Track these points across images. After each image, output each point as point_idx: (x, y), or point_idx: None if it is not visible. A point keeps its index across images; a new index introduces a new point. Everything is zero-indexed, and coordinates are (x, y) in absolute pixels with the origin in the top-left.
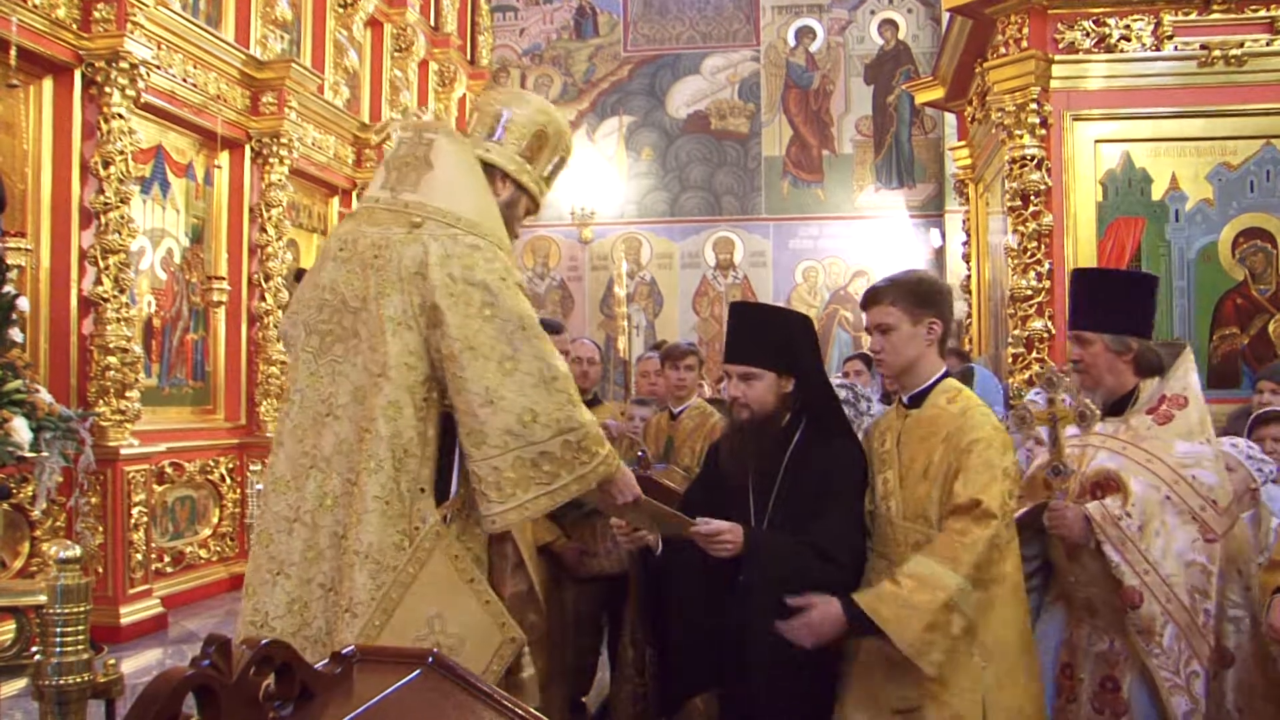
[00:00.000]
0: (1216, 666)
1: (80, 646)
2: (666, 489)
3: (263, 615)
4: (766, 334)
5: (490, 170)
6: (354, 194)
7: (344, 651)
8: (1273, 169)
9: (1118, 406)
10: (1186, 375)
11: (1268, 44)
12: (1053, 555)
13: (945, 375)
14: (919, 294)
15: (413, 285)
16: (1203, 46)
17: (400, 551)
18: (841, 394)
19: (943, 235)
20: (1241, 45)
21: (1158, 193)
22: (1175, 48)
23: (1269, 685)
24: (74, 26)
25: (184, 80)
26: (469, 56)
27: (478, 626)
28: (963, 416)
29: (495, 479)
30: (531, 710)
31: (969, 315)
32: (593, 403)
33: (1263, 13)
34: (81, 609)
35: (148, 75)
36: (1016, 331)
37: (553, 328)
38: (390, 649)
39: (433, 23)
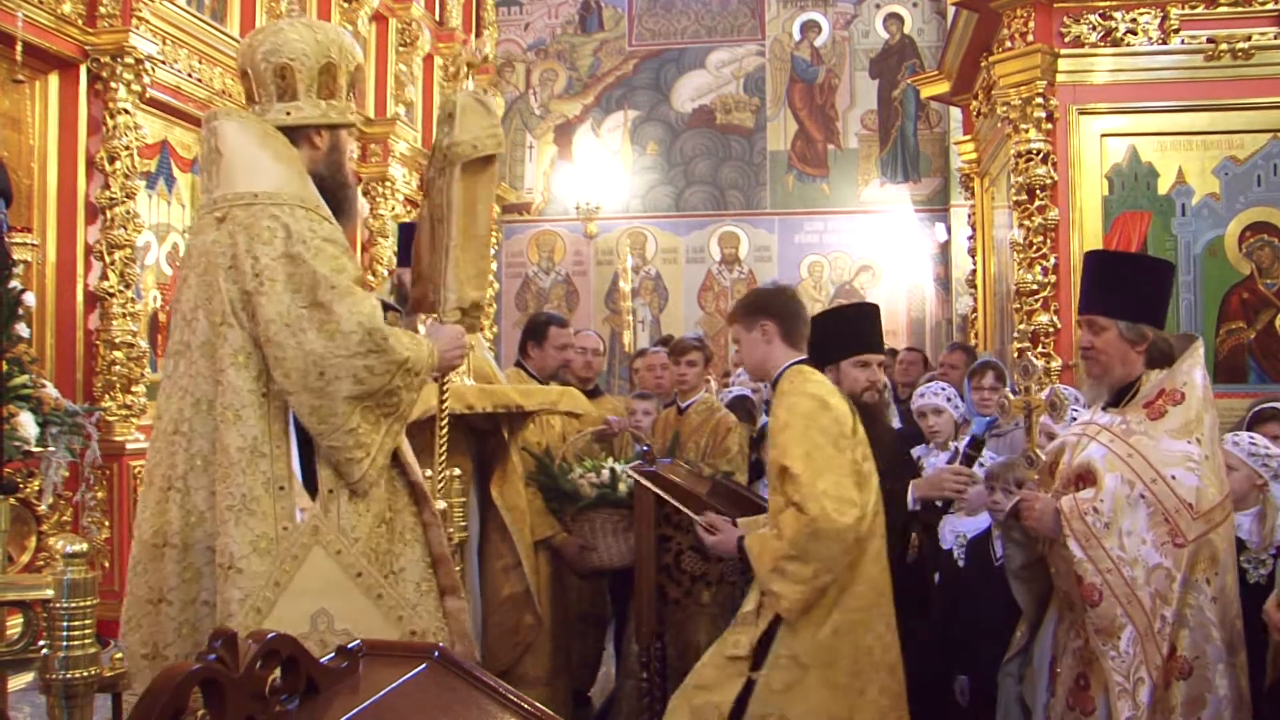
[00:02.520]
0: (1171, 676)
1: (87, 641)
2: (673, 484)
3: (152, 645)
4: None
5: (302, 130)
6: (357, 189)
7: (350, 645)
8: None
9: (1121, 396)
10: (1191, 370)
11: (1275, 37)
12: (1044, 547)
13: (795, 363)
14: (748, 305)
15: (229, 280)
16: (1209, 40)
17: (264, 555)
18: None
19: (948, 229)
20: (1249, 39)
21: (1164, 187)
22: (1182, 41)
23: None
24: (79, 22)
25: (189, 75)
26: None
27: (369, 621)
28: (787, 396)
29: (355, 439)
30: (536, 704)
31: (974, 310)
32: (594, 394)
33: (1270, 6)
34: (88, 603)
35: (153, 70)
36: (1022, 326)
37: (560, 320)
38: (397, 643)
39: (438, 17)
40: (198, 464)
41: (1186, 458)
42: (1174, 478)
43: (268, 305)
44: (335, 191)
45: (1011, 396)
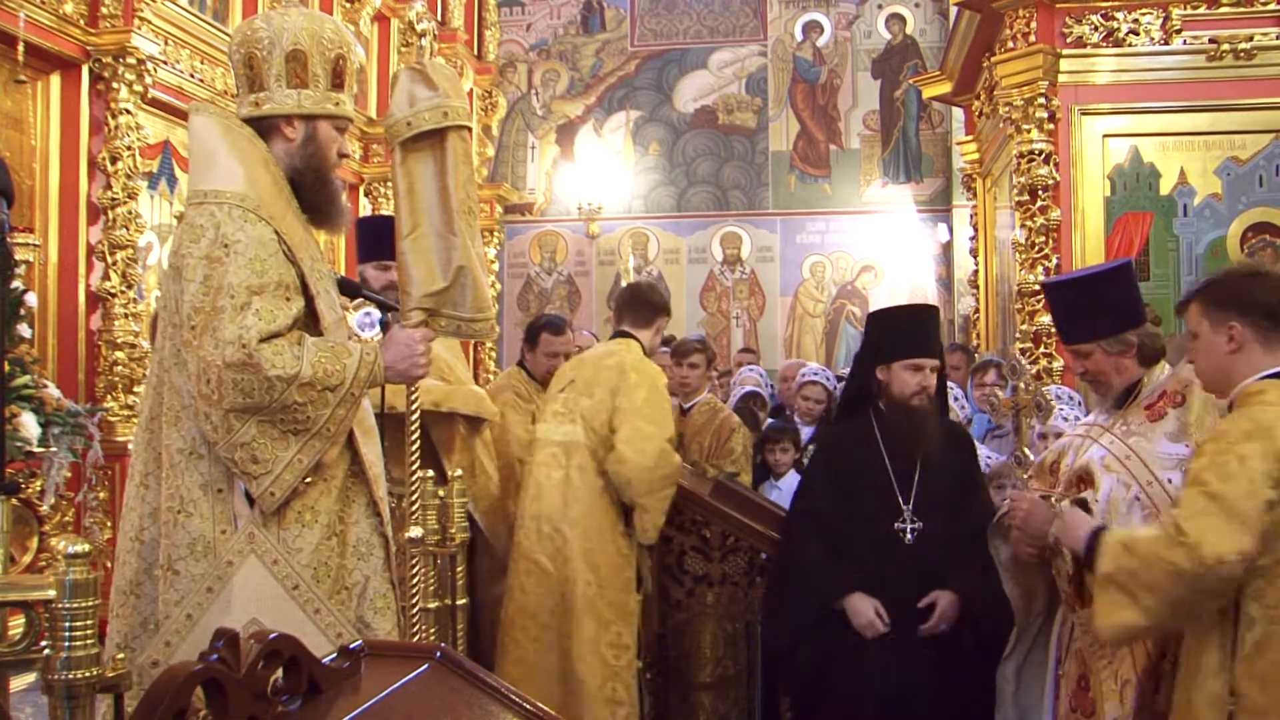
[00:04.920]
0: (1161, 680)
1: (89, 641)
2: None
3: (123, 636)
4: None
5: (271, 121)
6: (360, 189)
7: (352, 646)
8: None
9: (1127, 397)
10: (1193, 373)
11: (1277, 37)
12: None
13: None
14: (634, 306)
15: (176, 284)
16: (1211, 40)
17: (200, 559)
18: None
19: (950, 230)
20: (1250, 39)
21: (1166, 187)
22: (1184, 41)
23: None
24: (81, 22)
25: (191, 75)
26: (476, 51)
27: (304, 638)
28: None
29: (249, 454)
30: (538, 704)
31: (976, 310)
32: None
33: (1272, 6)
34: (90, 604)
35: (155, 71)
36: (1024, 326)
37: (554, 326)
38: (400, 644)
39: (440, 17)
40: (152, 464)
41: (1182, 461)
42: (1170, 480)
43: (185, 304)
44: (313, 187)
45: (1001, 396)
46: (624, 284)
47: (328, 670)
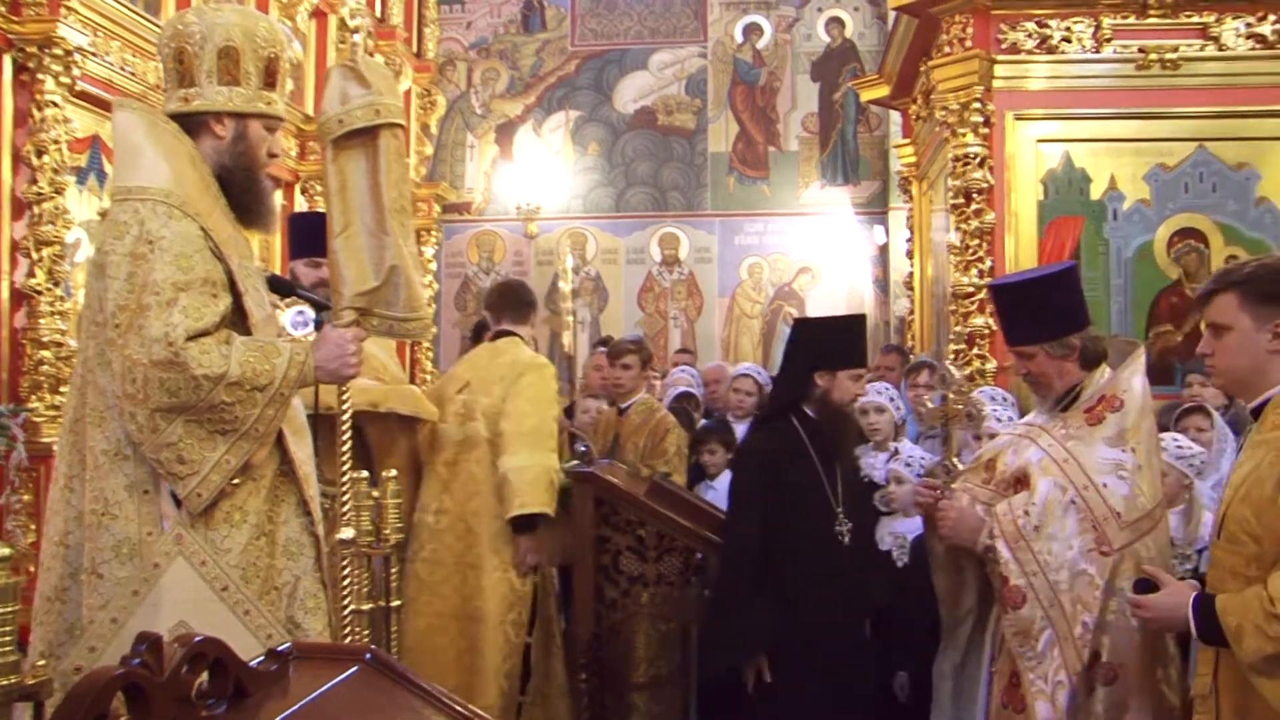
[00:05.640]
0: (1094, 683)
1: (7, 648)
2: (610, 484)
3: (47, 643)
4: None
5: (200, 117)
6: (297, 187)
7: (280, 648)
8: (1206, 171)
9: (1065, 398)
10: (1131, 377)
11: (1200, 49)
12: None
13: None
14: (513, 304)
15: (99, 282)
16: (1140, 50)
17: (126, 562)
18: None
19: (886, 232)
20: (1176, 50)
21: (1096, 192)
22: (1114, 50)
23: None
24: (3, 9)
25: (122, 68)
26: (415, 49)
27: (233, 640)
28: None
29: (176, 454)
30: (469, 706)
31: (911, 312)
32: None
33: (1195, 19)
34: (10, 609)
35: (83, 62)
36: (958, 328)
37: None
38: (329, 645)
39: (379, 14)
40: (76, 466)
41: (1119, 466)
42: (1105, 485)
43: (110, 302)
44: (242, 185)
45: (929, 404)
46: (496, 282)
47: (255, 673)
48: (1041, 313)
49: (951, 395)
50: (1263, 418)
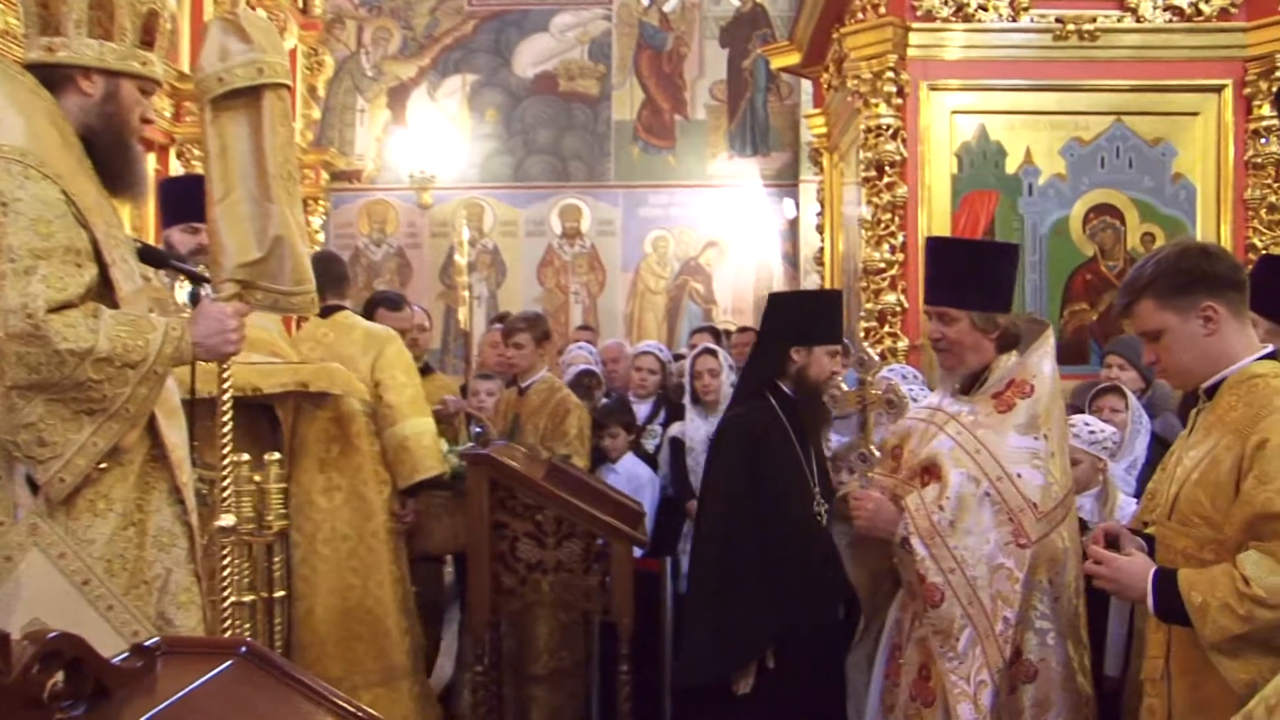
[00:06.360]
0: (1016, 680)
1: None
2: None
3: None
4: None
5: (66, 71)
6: (172, 150)
7: (147, 644)
8: (1122, 145)
9: (972, 382)
10: (1040, 361)
11: (1119, 20)
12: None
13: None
14: (333, 279)
15: None
16: (1058, 20)
17: None
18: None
19: (797, 205)
20: (1094, 21)
21: (1012, 166)
22: (1031, 19)
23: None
24: None
25: None
26: (301, 4)
27: (96, 637)
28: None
29: (35, 435)
30: (354, 700)
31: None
32: (425, 372)
33: None
34: None
35: None
36: (869, 305)
37: (391, 302)
38: (201, 639)
39: None
40: None
41: (1033, 454)
42: (1020, 476)
43: None
44: (109, 150)
45: (844, 388)
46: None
47: (117, 670)
48: (976, 279)
49: (870, 379)
50: (1217, 397)
